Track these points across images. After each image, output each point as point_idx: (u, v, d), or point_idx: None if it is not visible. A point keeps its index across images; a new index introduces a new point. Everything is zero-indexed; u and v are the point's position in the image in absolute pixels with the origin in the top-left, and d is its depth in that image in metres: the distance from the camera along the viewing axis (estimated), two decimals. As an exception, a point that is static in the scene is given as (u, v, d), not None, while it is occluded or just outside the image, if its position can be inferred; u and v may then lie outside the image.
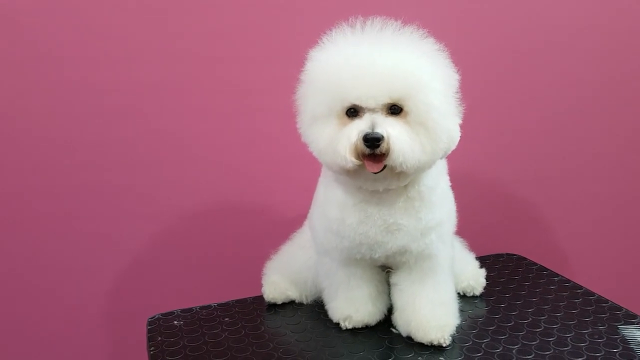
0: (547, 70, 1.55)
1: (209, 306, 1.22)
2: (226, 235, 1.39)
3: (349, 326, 1.10)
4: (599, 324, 1.11)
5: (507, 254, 1.47)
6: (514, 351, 1.02)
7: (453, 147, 0.96)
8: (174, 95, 1.31)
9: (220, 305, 1.23)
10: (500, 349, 1.03)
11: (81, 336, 1.37)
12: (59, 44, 1.22)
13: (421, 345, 1.04)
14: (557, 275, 1.34)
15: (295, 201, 1.30)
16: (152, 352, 1.05)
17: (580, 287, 1.27)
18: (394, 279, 1.08)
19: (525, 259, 1.44)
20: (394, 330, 1.09)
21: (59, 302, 1.34)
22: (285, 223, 1.29)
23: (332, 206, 1.02)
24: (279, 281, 1.21)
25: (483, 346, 1.04)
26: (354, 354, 1.03)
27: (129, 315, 1.34)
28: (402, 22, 0.93)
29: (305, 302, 1.22)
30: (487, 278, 1.28)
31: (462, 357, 1.01)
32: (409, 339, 1.06)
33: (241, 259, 1.38)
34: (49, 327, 1.34)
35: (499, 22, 1.49)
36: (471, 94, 1.42)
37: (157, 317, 1.19)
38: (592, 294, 1.23)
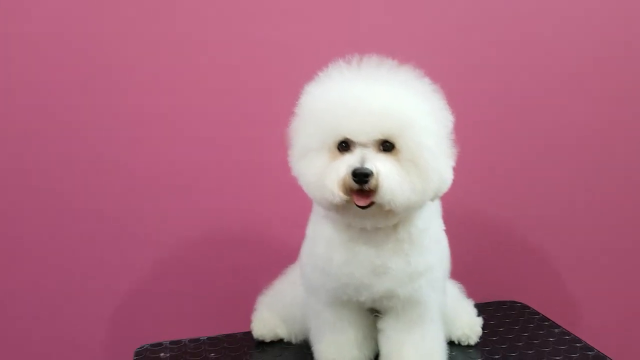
0: (550, 110, 1.52)
1: (198, 339, 1.22)
2: (221, 267, 1.39)
3: (334, 372, 1.07)
4: (596, 384, 1.06)
5: (510, 302, 1.43)
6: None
7: (445, 189, 0.94)
8: (173, 124, 1.32)
9: (209, 339, 1.22)
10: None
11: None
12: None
13: (406, 396, 1.01)
14: (558, 327, 1.29)
15: (291, 235, 1.29)
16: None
17: (580, 341, 1.22)
18: (381, 324, 1.05)
19: (528, 307, 1.40)
20: (378, 378, 1.06)
21: (51, 328, 1.34)
22: (282, 257, 1.28)
23: (320, 243, 1.01)
24: (269, 318, 1.20)
25: None
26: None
27: (121, 343, 1.33)
28: (398, 61, 0.93)
29: (293, 341, 1.19)
30: (487, 326, 1.25)
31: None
32: (394, 388, 1.02)
33: (236, 292, 1.37)
34: (40, 350, 1.34)
35: (502, 64, 1.47)
36: (474, 135, 1.43)
37: (145, 347, 1.18)
38: (592, 349, 1.18)
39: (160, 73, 1.30)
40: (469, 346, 1.19)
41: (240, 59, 1.32)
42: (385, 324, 1.04)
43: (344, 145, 0.90)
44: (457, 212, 1.45)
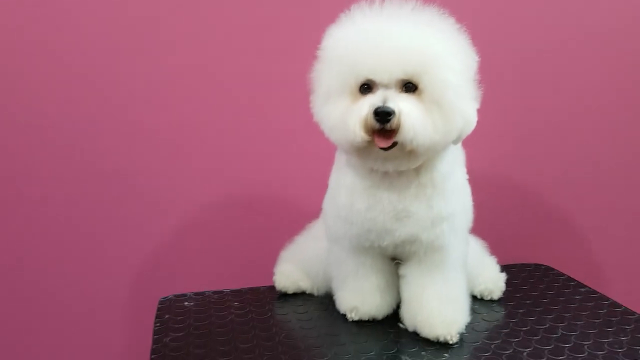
0: (580, 70, 1.50)
1: (222, 291, 1.23)
2: (246, 227, 1.40)
3: (355, 318, 1.08)
4: (622, 335, 1.04)
5: (535, 264, 1.41)
6: (524, 354, 0.97)
7: (468, 131, 0.93)
8: (197, 88, 1.34)
9: (232, 291, 1.24)
10: (510, 350, 0.98)
11: (102, 319, 1.40)
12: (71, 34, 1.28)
13: (427, 341, 1.00)
14: (584, 286, 1.27)
15: (314, 195, 1.29)
16: (156, 328, 1.07)
17: (607, 299, 1.20)
18: (402, 270, 1.05)
19: (553, 269, 1.38)
20: (401, 325, 1.06)
21: (84, 283, 1.38)
22: (304, 215, 1.28)
23: (342, 191, 1.01)
24: (291, 271, 1.21)
25: (492, 347, 1.00)
26: (357, 344, 1.00)
27: (147, 296, 1.36)
28: (422, 1, 0.91)
29: (316, 294, 1.20)
30: (510, 285, 1.24)
31: (468, 355, 0.97)
32: (415, 334, 1.02)
33: (260, 250, 1.38)
34: (74, 306, 1.38)
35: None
36: (511, 97, 1.42)
37: (169, 297, 1.20)
38: (619, 305, 1.16)
39: (182, 34, 1.31)
40: (492, 301, 1.19)
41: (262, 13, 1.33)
42: (406, 270, 1.04)
43: (366, 87, 0.90)
44: (483, 177, 1.46)
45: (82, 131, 1.32)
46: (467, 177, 1.07)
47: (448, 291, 1.02)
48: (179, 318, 1.10)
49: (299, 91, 1.00)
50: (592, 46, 1.50)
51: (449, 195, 0.98)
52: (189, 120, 1.36)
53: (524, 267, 1.39)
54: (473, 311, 1.11)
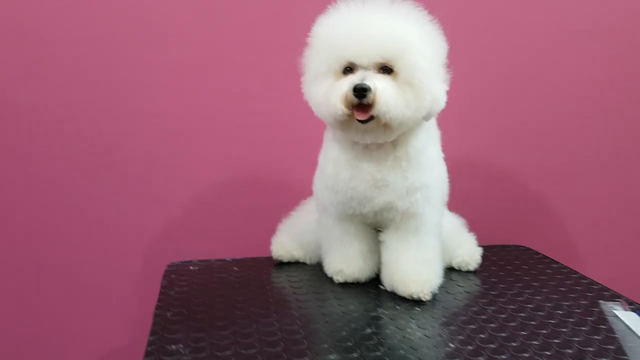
0: (560, 60, 1.62)
1: (224, 259, 1.36)
2: (249, 204, 1.54)
3: (341, 280, 1.20)
4: (582, 300, 1.15)
5: (515, 245, 1.52)
6: (488, 310, 1.09)
7: (437, 109, 1.07)
8: (214, 75, 1.49)
9: (234, 259, 1.37)
10: (477, 308, 1.10)
11: (117, 286, 1.54)
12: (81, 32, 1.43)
13: (402, 299, 1.12)
14: (556, 262, 1.38)
15: (308, 177, 1.42)
16: (163, 283, 1.20)
17: (577, 273, 1.31)
18: (382, 237, 1.18)
19: (530, 249, 1.49)
20: (381, 286, 1.18)
21: (100, 253, 1.52)
22: (300, 194, 1.40)
23: (329, 163, 1.15)
24: (286, 242, 1.34)
25: (462, 305, 1.12)
26: (341, 301, 1.12)
27: (155, 266, 1.49)
28: None
29: (308, 262, 1.33)
30: (486, 260, 1.35)
31: (438, 308, 1.09)
32: (393, 293, 1.14)
33: (260, 225, 1.50)
34: (97, 271, 1.52)
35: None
36: (489, 85, 1.54)
37: (177, 263, 1.33)
38: (587, 278, 1.27)
39: (193, 28, 1.46)
40: (468, 272, 1.30)
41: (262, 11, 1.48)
42: (385, 236, 1.17)
43: (348, 69, 1.04)
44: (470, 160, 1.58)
45: (100, 111, 1.46)
46: (442, 154, 1.19)
47: (422, 254, 1.14)
48: (183, 277, 1.24)
49: (297, 81, 1.14)
50: (579, 37, 1.62)
51: (422, 168, 1.11)
52: (200, 109, 1.50)
53: (504, 247, 1.50)
54: (449, 279, 1.24)
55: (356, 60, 1.02)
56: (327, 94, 1.03)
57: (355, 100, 1.00)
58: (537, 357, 0.91)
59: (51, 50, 1.43)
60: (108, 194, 1.50)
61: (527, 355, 0.92)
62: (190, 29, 1.47)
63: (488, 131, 1.61)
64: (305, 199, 1.37)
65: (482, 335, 0.98)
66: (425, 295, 1.11)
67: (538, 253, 1.46)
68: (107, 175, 1.49)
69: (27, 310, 1.51)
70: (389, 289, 1.16)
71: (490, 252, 1.42)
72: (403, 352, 0.92)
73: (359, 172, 1.11)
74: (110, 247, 1.51)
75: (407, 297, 1.12)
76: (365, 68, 1.02)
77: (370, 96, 0.99)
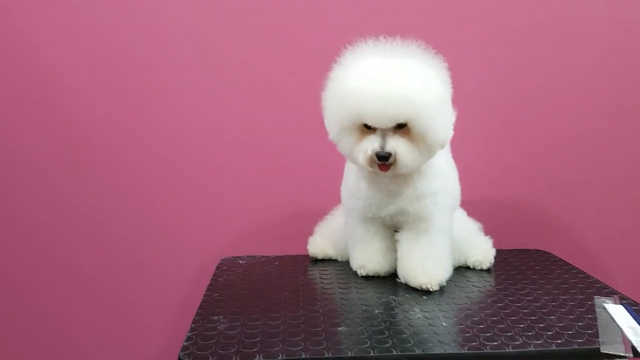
0: (573, 74, 1.73)
1: (269, 256, 1.59)
2: (292, 209, 1.76)
3: (363, 273, 1.39)
4: (580, 295, 1.28)
5: (534, 250, 1.65)
6: (488, 300, 1.24)
7: (445, 144, 1.23)
8: (245, 97, 1.71)
9: (277, 256, 1.59)
10: (477, 298, 1.26)
11: (185, 276, 1.79)
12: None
13: (413, 289, 1.30)
14: (568, 264, 1.50)
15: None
16: (215, 273, 1.44)
17: (583, 272, 1.43)
18: (397, 236, 1.36)
19: (549, 253, 1.61)
20: (398, 279, 1.36)
21: (168, 246, 1.78)
22: (336, 201, 1.60)
23: (351, 175, 1.35)
24: (321, 241, 1.54)
25: (465, 296, 1.27)
26: (360, 290, 1.31)
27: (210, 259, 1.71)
28: (410, 38, 1.20)
29: (340, 260, 1.52)
30: (503, 261, 1.49)
31: (443, 297, 1.25)
32: (406, 285, 1.32)
33: (303, 230, 1.70)
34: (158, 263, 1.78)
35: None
36: (507, 100, 1.69)
37: (229, 258, 1.57)
38: (600, 282, 1.37)
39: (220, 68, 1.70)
40: (482, 270, 1.45)
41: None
42: (400, 235, 1.35)
43: (369, 125, 1.18)
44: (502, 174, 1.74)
45: (149, 124, 1.70)
46: (452, 162, 1.38)
47: (431, 250, 1.31)
48: (232, 269, 1.47)
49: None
50: (584, 47, 1.73)
51: (430, 178, 1.29)
52: (247, 124, 1.72)
53: (524, 251, 1.64)
54: (463, 276, 1.39)
55: (374, 125, 1.17)
56: (354, 153, 1.20)
57: (378, 162, 1.18)
58: (518, 336, 1.06)
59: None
60: (179, 201, 1.75)
61: (509, 334, 1.07)
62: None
63: (509, 139, 1.75)
64: (338, 204, 1.57)
65: (475, 318, 1.14)
66: (433, 286, 1.28)
67: (555, 256, 1.58)
68: (177, 182, 1.74)
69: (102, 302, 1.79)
70: (402, 280, 1.34)
71: (508, 255, 1.56)
72: (401, 327, 1.10)
73: (375, 183, 1.30)
74: (180, 247, 1.76)
75: (417, 287, 1.29)
76: (384, 129, 1.17)
77: (391, 159, 1.17)
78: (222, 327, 1.11)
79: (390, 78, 1.14)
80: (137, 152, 1.72)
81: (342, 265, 1.49)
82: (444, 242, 1.34)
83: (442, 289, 1.30)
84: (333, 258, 1.54)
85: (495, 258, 1.47)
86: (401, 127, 1.17)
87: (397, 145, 1.17)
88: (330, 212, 1.59)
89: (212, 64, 1.69)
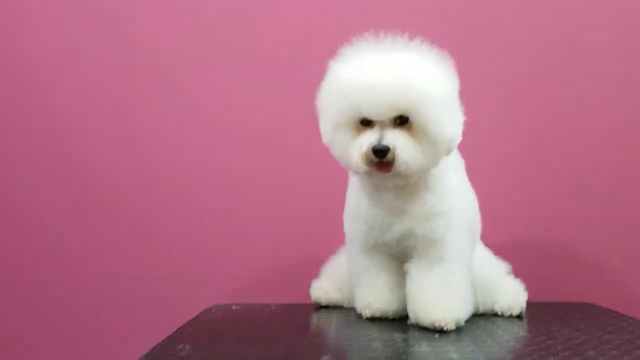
0: (617, 113, 1.57)
1: (268, 304, 1.39)
2: (297, 255, 1.60)
3: (369, 314, 1.18)
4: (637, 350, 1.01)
5: (582, 303, 1.40)
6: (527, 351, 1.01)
7: (454, 146, 1.07)
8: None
9: (275, 304, 1.39)
10: (503, 339, 1.02)
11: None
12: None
13: (426, 330, 1.07)
14: (619, 314, 1.25)
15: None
16: (201, 314, 1.26)
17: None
18: (406, 267, 1.16)
19: (597, 306, 1.36)
20: (409, 321, 1.14)
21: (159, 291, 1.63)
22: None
23: (352, 194, 1.19)
24: (325, 284, 1.35)
25: (501, 341, 1.04)
26: (362, 330, 1.10)
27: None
28: (409, 35, 1.08)
29: (346, 305, 1.32)
30: (537, 312, 1.25)
31: (463, 339, 1.02)
32: (420, 328, 1.10)
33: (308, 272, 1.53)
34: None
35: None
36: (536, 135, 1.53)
37: (221, 304, 1.39)
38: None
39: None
40: (513, 317, 1.21)
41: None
42: (409, 266, 1.15)
43: (366, 121, 1.06)
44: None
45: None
46: (467, 182, 1.20)
47: (445, 281, 1.11)
48: (220, 313, 1.29)
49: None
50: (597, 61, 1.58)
51: (441, 195, 1.11)
52: (253, 171, 1.62)
53: (566, 304, 1.39)
54: (492, 322, 1.16)
55: (372, 117, 1.05)
56: (348, 151, 1.06)
57: (375, 159, 1.03)
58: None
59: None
60: (179, 248, 1.63)
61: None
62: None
63: (548, 185, 1.57)
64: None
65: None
66: (448, 324, 1.06)
67: (603, 308, 1.33)
68: (177, 228, 1.63)
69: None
70: (413, 320, 1.12)
71: (545, 307, 1.32)
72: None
73: (378, 200, 1.13)
74: (177, 295, 1.61)
75: (430, 327, 1.07)
76: (382, 122, 1.04)
77: (389, 155, 1.02)
78: (183, 354, 0.92)
79: (389, 67, 1.03)
80: (139, 197, 1.64)
81: (345, 311, 1.29)
82: (462, 272, 1.14)
83: (459, 330, 1.08)
84: (338, 304, 1.34)
85: (527, 309, 1.24)
86: (402, 124, 1.04)
87: (395, 138, 1.02)
88: (337, 252, 1.40)
89: (210, 109, 1.63)
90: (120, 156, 1.63)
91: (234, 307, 1.36)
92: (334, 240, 1.45)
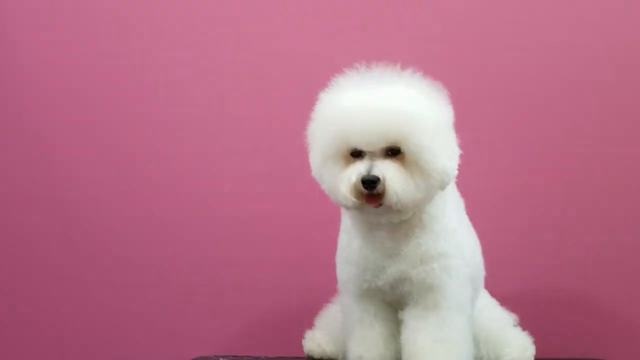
0: None
1: (258, 356, 1.31)
2: (289, 306, 1.53)
3: (361, 369, 1.09)
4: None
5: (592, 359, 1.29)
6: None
7: (449, 180, 1.01)
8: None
9: (267, 357, 1.31)
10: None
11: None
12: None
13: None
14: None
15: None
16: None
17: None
18: (401, 315, 1.07)
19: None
20: (404, 376, 1.05)
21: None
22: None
23: (343, 235, 1.12)
24: (319, 336, 1.26)
25: None
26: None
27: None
28: (400, 65, 1.04)
29: (339, 359, 1.22)
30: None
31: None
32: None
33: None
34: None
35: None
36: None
37: (209, 356, 1.31)
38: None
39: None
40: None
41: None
42: (405, 314, 1.07)
43: (357, 153, 1.01)
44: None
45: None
46: (467, 223, 1.13)
47: (443, 332, 1.02)
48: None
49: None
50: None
51: (437, 236, 1.04)
52: (244, 211, 1.57)
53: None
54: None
55: (362, 147, 1.00)
56: (337, 183, 1.01)
57: (365, 191, 0.98)
58: None
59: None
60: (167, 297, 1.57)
61: None
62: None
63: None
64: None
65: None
66: (446, 379, 0.97)
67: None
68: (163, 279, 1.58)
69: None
70: (408, 375, 1.03)
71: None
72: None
73: (370, 241, 1.06)
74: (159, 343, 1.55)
75: (426, 382, 0.98)
76: (372, 152, 1.00)
77: (380, 187, 0.97)
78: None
79: (380, 96, 0.99)
80: (128, 246, 1.61)
81: (339, 365, 1.19)
82: (461, 323, 1.04)
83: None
84: (332, 357, 1.24)
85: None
86: (394, 155, 0.98)
87: (386, 169, 0.96)
88: (333, 300, 1.32)
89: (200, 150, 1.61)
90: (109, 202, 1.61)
91: (221, 358, 1.28)
92: (328, 289, 1.40)
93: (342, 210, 1.16)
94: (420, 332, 1.03)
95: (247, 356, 1.32)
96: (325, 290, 1.41)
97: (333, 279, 1.33)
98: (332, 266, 1.24)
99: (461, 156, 1.03)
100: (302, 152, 1.10)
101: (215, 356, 1.31)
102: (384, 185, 0.96)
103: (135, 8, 1.61)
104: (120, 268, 1.59)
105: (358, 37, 1.55)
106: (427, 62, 1.09)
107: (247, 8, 1.59)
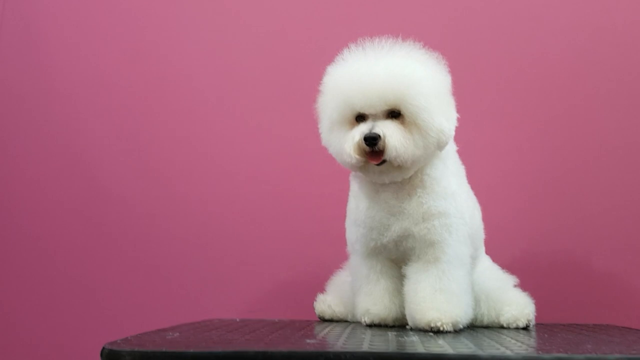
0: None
1: (273, 320, 1.37)
2: (307, 270, 1.61)
3: (368, 321, 1.16)
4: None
5: (607, 324, 1.32)
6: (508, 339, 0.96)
7: (446, 139, 1.08)
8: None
9: (280, 320, 1.36)
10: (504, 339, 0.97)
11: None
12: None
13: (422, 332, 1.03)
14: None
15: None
16: (201, 323, 1.25)
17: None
18: (404, 270, 1.14)
19: (626, 328, 1.27)
20: (407, 326, 1.11)
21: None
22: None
23: (352, 199, 1.20)
24: (329, 298, 1.33)
25: (495, 343, 0.98)
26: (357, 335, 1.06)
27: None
28: (401, 38, 1.13)
29: (350, 319, 1.29)
30: (548, 331, 1.18)
31: (462, 340, 0.97)
32: (417, 330, 1.06)
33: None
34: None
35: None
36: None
37: (226, 319, 1.37)
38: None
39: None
40: (519, 328, 1.15)
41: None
42: (407, 269, 1.14)
43: (360, 117, 1.10)
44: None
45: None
46: (468, 189, 1.19)
47: (442, 283, 1.08)
48: (222, 327, 1.28)
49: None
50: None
51: (438, 196, 1.11)
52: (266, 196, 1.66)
53: (595, 326, 1.32)
54: (500, 340, 1.09)
55: (364, 110, 1.09)
56: (342, 144, 1.10)
57: (367, 148, 1.06)
58: None
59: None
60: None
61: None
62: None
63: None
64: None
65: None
66: (445, 325, 1.02)
67: (625, 328, 1.25)
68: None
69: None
70: (411, 324, 1.09)
71: (573, 327, 1.25)
72: (384, 347, 0.85)
73: (376, 201, 1.14)
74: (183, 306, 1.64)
75: (427, 328, 1.03)
76: (375, 116, 1.08)
77: (380, 143, 1.05)
78: (169, 338, 0.92)
79: (380, 63, 1.08)
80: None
81: (346, 325, 1.24)
82: (460, 274, 1.10)
83: (459, 333, 1.03)
84: (342, 318, 1.31)
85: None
86: (395, 117, 1.07)
87: (386, 127, 1.05)
88: (342, 266, 1.39)
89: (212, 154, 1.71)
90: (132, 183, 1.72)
91: (237, 320, 1.35)
92: (337, 260, 1.46)
93: (350, 176, 1.23)
94: (421, 283, 1.09)
95: (261, 319, 1.38)
96: (334, 262, 1.50)
97: (342, 251, 1.41)
98: (341, 240, 1.32)
99: (465, 128, 1.11)
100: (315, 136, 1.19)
101: (232, 319, 1.38)
102: (384, 142, 1.03)
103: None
104: (152, 241, 1.70)
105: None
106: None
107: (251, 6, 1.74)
